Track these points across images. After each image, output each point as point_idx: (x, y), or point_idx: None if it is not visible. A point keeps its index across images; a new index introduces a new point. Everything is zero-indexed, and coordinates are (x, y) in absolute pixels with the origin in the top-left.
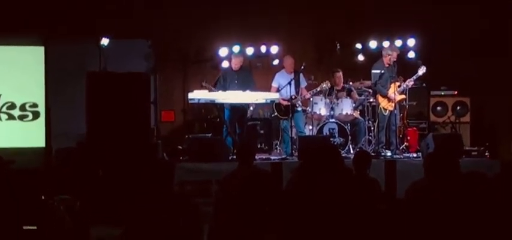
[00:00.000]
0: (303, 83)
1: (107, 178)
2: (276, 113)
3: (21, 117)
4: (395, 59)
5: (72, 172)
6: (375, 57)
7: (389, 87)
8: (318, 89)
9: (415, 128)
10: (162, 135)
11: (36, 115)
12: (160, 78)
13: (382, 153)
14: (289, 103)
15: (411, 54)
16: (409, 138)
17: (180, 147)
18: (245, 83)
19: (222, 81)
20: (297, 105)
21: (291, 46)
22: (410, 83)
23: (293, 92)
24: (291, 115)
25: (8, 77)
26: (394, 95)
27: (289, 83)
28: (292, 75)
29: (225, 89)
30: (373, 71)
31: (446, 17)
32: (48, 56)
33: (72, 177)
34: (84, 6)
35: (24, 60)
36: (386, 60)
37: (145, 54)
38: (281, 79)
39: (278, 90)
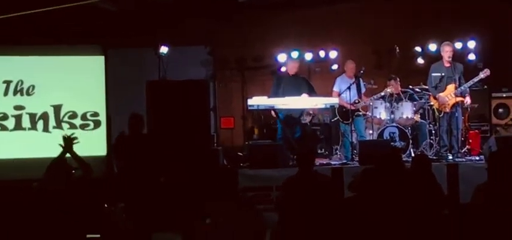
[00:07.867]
0: (363, 88)
1: (169, 185)
2: (337, 117)
3: (83, 126)
4: (450, 56)
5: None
6: (434, 60)
7: (445, 88)
8: (382, 93)
9: (477, 131)
10: (222, 142)
11: (97, 124)
12: (219, 85)
13: (444, 157)
14: (354, 107)
15: (472, 56)
16: (471, 141)
17: (240, 153)
18: (301, 87)
19: (275, 87)
20: (359, 109)
21: (350, 51)
22: (467, 85)
23: (356, 97)
24: (351, 119)
25: (69, 86)
26: (447, 98)
27: (349, 88)
28: (353, 80)
29: (277, 94)
30: (431, 73)
31: (507, 17)
32: (108, 66)
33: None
34: (143, 15)
35: (85, 70)
36: (445, 57)
37: (204, 61)
38: (342, 83)
39: (339, 95)
